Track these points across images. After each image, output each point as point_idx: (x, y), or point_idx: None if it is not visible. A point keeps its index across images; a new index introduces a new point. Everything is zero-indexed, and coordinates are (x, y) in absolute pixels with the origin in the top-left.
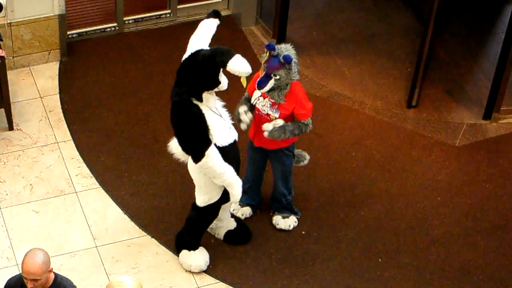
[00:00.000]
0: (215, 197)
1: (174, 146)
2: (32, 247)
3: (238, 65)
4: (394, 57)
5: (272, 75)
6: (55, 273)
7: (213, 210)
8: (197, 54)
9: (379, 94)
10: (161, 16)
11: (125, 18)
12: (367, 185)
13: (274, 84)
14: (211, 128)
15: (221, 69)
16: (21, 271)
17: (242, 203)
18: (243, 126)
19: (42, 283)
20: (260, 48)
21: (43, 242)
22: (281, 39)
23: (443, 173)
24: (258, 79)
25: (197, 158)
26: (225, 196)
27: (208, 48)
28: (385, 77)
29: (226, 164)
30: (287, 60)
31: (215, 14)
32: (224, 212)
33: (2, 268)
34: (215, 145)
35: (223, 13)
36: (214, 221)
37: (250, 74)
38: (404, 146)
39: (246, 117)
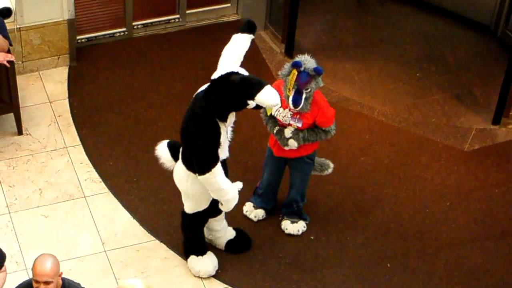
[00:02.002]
0: (204, 205)
1: (162, 151)
2: (41, 252)
3: (266, 98)
4: (403, 62)
5: (303, 90)
6: (62, 278)
7: (202, 216)
8: (227, 78)
9: (388, 99)
10: (170, 21)
11: (134, 23)
12: (376, 190)
13: (307, 94)
14: (220, 146)
15: None
16: (32, 275)
17: (257, 205)
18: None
19: (53, 287)
20: (269, 53)
21: (52, 247)
22: (290, 44)
23: (452, 178)
24: (291, 98)
25: (202, 172)
26: (215, 209)
27: (242, 71)
28: (394, 82)
29: (228, 181)
30: (319, 72)
31: (249, 28)
32: (220, 222)
33: (11, 273)
34: None
35: (232, 18)
36: (212, 233)
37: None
38: (413, 151)
39: (293, 141)
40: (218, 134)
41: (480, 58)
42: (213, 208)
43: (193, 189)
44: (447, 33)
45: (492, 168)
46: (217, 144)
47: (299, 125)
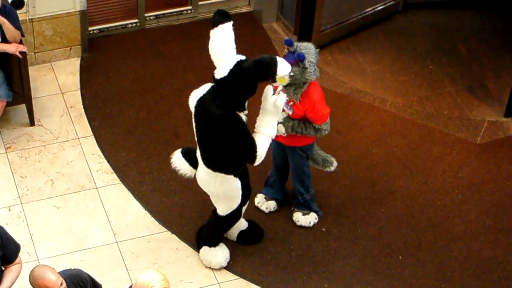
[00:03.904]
0: (236, 203)
1: (179, 162)
2: (52, 243)
3: (284, 69)
4: (416, 54)
5: None
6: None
7: (236, 214)
8: (239, 68)
9: (400, 91)
10: (182, 12)
11: (146, 14)
12: (388, 182)
13: (290, 80)
14: None
15: None
16: None
17: (268, 196)
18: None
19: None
20: (282, 44)
21: (64, 238)
22: (302, 36)
23: (464, 170)
24: None
25: (253, 161)
26: (243, 199)
27: (243, 57)
28: (406, 74)
29: (263, 138)
30: (300, 58)
31: (225, 16)
32: None
33: (23, 263)
34: None
35: (244, 9)
36: None
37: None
38: (425, 143)
39: (282, 127)
40: (243, 123)
41: (493, 50)
42: (242, 200)
43: (223, 189)
44: (460, 25)
45: (505, 160)
46: (247, 131)
47: (290, 112)
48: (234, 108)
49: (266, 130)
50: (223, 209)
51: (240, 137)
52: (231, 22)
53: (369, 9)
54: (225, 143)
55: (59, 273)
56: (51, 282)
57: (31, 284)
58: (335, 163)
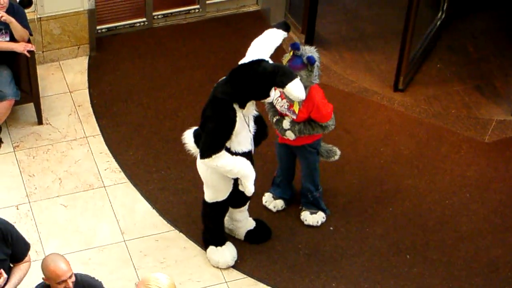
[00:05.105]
0: (222, 196)
1: (188, 137)
2: (60, 241)
3: (296, 90)
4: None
5: None
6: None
7: (220, 208)
8: (258, 63)
9: (408, 90)
10: (190, 11)
11: (154, 13)
12: (396, 181)
13: None
14: (234, 135)
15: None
16: (54, 280)
17: (275, 195)
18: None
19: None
20: (289, 43)
21: (72, 236)
22: (310, 35)
23: (472, 169)
24: None
25: (203, 156)
26: (239, 200)
27: (271, 61)
28: (414, 73)
29: (234, 160)
30: (311, 61)
31: (285, 26)
32: (242, 213)
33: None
34: (229, 149)
35: (252, 8)
36: (234, 222)
37: None
38: (433, 142)
39: (291, 133)
40: (233, 121)
41: (501, 49)
42: (237, 199)
43: (212, 179)
44: (468, 24)
45: None
46: (229, 132)
47: (294, 117)
48: (235, 98)
49: (239, 162)
50: (209, 196)
51: (217, 129)
52: (285, 34)
53: (427, 32)
54: (205, 125)
55: (78, 274)
56: (61, 270)
57: (43, 267)
58: (338, 152)
